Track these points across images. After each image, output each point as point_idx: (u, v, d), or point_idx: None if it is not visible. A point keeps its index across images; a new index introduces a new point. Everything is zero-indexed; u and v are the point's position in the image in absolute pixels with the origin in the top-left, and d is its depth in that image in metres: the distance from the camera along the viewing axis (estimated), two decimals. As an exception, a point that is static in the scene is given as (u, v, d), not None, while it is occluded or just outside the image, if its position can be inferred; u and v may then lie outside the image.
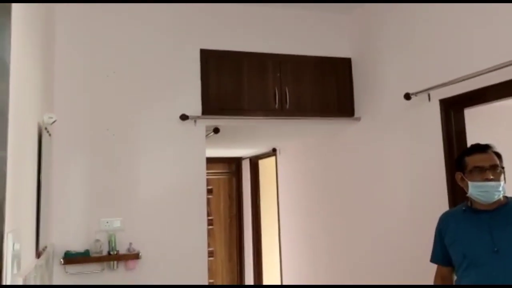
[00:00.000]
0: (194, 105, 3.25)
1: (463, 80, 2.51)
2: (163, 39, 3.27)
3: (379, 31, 3.39)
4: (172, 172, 3.19)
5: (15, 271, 1.39)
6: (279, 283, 5.14)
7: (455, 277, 2.11)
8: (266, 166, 5.73)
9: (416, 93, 2.86)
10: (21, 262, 1.53)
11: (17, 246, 1.40)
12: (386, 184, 3.27)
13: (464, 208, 2.07)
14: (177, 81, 3.26)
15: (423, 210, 2.89)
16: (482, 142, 2.08)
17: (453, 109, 2.70)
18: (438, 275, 2.20)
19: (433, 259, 2.20)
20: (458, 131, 2.69)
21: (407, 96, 2.91)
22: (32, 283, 1.78)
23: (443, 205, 2.69)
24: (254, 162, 5.94)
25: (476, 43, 2.55)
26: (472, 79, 2.46)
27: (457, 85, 2.57)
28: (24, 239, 1.67)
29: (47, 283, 2.43)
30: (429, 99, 2.81)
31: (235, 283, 6.17)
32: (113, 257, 2.96)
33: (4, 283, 1.25)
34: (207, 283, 3.18)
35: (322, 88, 3.55)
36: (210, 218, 6.04)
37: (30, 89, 1.81)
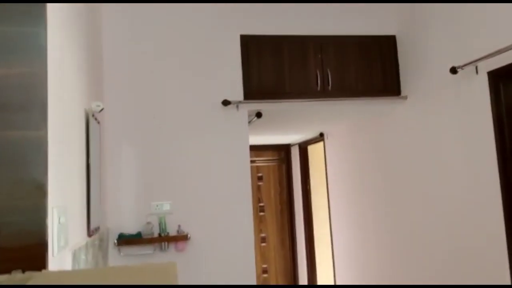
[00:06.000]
0: (236, 91, 3.30)
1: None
2: (203, 27, 3.33)
3: (422, 6, 3.26)
4: (217, 156, 3.27)
5: (62, 243, 1.50)
6: (332, 269, 5.13)
7: None
8: (315, 152, 5.70)
9: (462, 66, 2.74)
10: (69, 237, 1.65)
11: (62, 220, 1.51)
12: (437, 162, 3.16)
13: None
14: (219, 68, 3.32)
15: (477, 188, 2.78)
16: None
17: (503, 81, 2.55)
18: None
19: None
20: (509, 104, 2.55)
21: (453, 70, 2.80)
22: (83, 258, 1.91)
23: (495, 181, 2.57)
24: (303, 147, 5.93)
25: (526, 8, 2.40)
26: (522, 47, 2.33)
27: (505, 54, 2.43)
28: (73, 217, 1.79)
29: (101, 262, 2.58)
30: (477, 71, 2.68)
31: (289, 269, 6.22)
32: (163, 239, 3.10)
33: (51, 254, 1.36)
34: (254, 265, 3.24)
35: (366, 68, 3.49)
36: (261, 204, 6.12)
37: (74, 78, 1.93)
